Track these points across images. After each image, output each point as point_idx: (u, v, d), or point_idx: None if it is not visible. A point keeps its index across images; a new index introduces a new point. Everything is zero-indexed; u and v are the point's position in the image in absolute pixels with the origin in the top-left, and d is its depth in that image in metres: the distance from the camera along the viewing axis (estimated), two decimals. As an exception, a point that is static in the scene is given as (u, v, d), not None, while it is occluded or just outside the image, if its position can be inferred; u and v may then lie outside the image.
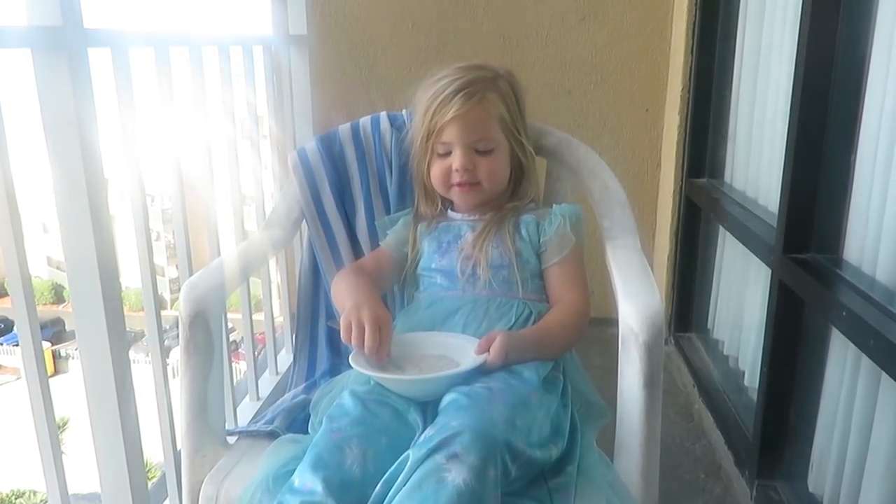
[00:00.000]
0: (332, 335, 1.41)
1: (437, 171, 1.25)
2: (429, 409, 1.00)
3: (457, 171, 1.21)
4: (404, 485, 0.85)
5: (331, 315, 1.41)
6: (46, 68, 1.05)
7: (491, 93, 1.21)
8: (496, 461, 0.86)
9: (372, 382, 1.04)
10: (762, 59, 1.83)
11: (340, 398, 1.02)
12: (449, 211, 1.32)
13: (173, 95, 1.42)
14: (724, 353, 2.04)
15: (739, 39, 2.00)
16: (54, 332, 20.33)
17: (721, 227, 2.06)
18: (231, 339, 2.07)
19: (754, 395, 1.68)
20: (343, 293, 1.18)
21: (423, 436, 0.92)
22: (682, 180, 2.31)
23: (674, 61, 2.33)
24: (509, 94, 1.24)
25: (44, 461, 1.12)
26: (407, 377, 1.05)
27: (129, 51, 1.25)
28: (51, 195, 1.10)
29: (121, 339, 1.18)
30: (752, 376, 1.80)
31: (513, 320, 1.15)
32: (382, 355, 1.06)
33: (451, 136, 1.20)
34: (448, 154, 1.22)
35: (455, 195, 1.27)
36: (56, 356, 19.38)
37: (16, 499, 13.10)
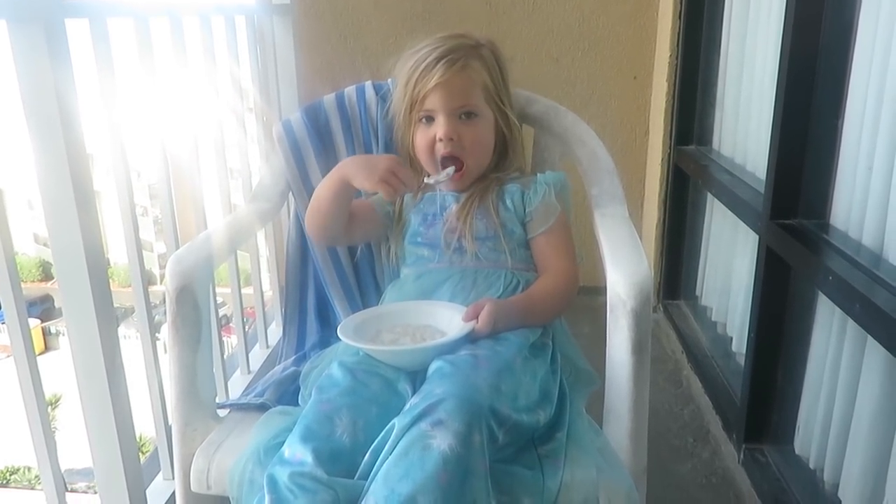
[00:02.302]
0: (321, 307, 1.41)
1: (420, 141, 1.22)
2: (418, 378, 1.00)
3: (440, 140, 1.19)
4: (391, 453, 0.85)
5: (319, 288, 1.40)
6: (22, 40, 1.03)
7: (474, 60, 1.19)
8: (481, 427, 0.87)
9: (361, 353, 1.04)
10: (750, 23, 1.81)
11: (330, 369, 1.02)
12: (435, 181, 1.31)
13: (155, 67, 1.39)
14: (713, 319, 2.06)
15: (728, 3, 1.99)
16: (44, 308, 20.26)
17: (709, 194, 2.06)
18: (222, 313, 2.07)
19: (742, 361, 1.70)
20: (327, 184, 1.20)
21: (408, 404, 0.92)
22: (670, 147, 2.30)
23: (661, 27, 2.31)
24: (492, 64, 1.22)
25: (34, 440, 1.13)
26: (394, 347, 1.05)
27: (108, 21, 1.23)
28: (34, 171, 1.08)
29: (108, 315, 1.17)
30: (739, 342, 1.82)
31: (500, 290, 1.15)
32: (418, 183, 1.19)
33: (434, 104, 1.18)
34: (431, 122, 1.20)
35: (439, 172, 1.24)
36: (46, 333, 19.34)
37: (10, 475, 13.18)
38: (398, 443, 0.85)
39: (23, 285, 1.09)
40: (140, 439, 1.33)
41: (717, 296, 2.03)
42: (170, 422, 1.14)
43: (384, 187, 1.11)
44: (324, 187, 1.21)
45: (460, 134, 1.19)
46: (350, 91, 1.41)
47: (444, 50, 1.17)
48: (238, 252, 1.62)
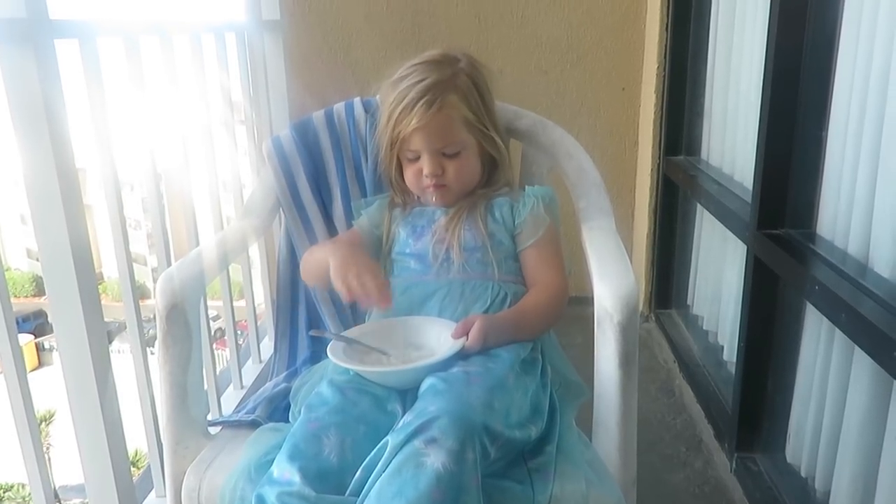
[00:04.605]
0: (313, 322, 1.41)
1: (409, 175, 1.24)
2: (408, 396, 1.00)
3: (426, 176, 1.21)
4: (384, 471, 0.86)
5: (310, 303, 1.41)
6: (12, 61, 1.04)
7: (451, 95, 1.18)
8: (474, 444, 0.87)
9: (352, 372, 1.05)
10: (736, 35, 1.83)
11: (319, 388, 1.03)
12: (424, 196, 1.32)
13: (145, 85, 1.40)
14: (704, 328, 2.07)
15: (713, 15, 2.01)
16: (37, 324, 20.11)
17: (698, 204, 2.08)
18: (217, 327, 2.06)
19: (733, 370, 1.71)
20: (316, 259, 1.19)
21: (401, 421, 0.92)
22: (659, 158, 2.32)
23: (649, 38, 2.33)
24: (471, 91, 1.21)
25: (25, 457, 1.12)
26: (385, 368, 1.05)
27: (98, 41, 1.24)
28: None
29: (99, 331, 1.17)
30: (730, 351, 1.83)
31: (488, 302, 1.15)
32: (390, 302, 1.09)
33: (416, 145, 1.20)
34: (417, 158, 1.22)
35: (429, 197, 1.26)
36: (40, 348, 19.20)
37: (4, 493, 13.07)
38: (391, 460, 0.86)
39: (16, 300, 1.09)
40: (136, 454, 1.33)
41: (708, 305, 2.04)
42: (162, 439, 1.13)
43: (343, 288, 1.09)
44: (310, 259, 1.23)
45: (445, 167, 1.21)
46: (339, 107, 1.42)
47: (422, 89, 1.16)
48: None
